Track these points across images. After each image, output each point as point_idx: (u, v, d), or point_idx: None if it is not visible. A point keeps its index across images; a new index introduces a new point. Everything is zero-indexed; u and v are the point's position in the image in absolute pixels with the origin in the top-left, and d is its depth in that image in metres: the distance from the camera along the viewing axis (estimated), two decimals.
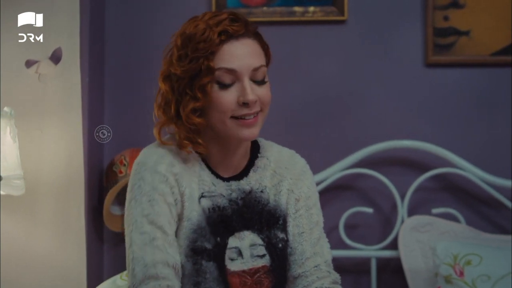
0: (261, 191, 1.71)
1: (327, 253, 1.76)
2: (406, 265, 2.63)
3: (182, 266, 1.61)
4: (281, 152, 1.80)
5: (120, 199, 2.75)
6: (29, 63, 2.54)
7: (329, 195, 2.79)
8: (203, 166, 1.68)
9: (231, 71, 1.59)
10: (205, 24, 1.60)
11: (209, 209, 1.65)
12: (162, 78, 1.65)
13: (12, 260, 2.50)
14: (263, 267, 1.68)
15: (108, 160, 2.80)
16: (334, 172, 2.75)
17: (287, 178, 1.75)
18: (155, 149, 1.67)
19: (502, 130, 2.78)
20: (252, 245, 1.67)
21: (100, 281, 2.72)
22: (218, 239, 1.63)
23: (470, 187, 2.76)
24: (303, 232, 1.74)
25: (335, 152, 2.79)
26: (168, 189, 1.62)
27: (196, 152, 1.68)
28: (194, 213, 1.63)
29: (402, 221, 2.72)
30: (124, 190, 2.68)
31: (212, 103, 1.60)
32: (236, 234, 1.66)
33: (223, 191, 1.67)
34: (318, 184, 2.74)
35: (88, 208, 2.61)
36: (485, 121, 2.80)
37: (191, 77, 1.59)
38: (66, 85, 2.55)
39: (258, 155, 1.76)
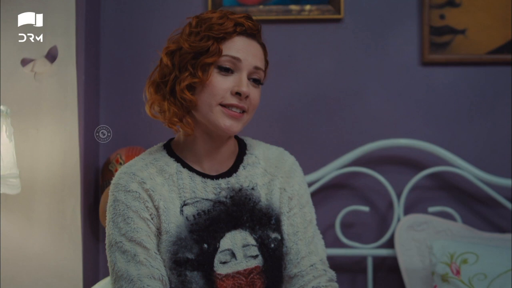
0: (252, 188, 1.72)
1: (322, 251, 1.77)
2: (402, 264, 2.63)
3: (168, 279, 1.62)
4: (269, 150, 1.81)
5: None
6: (24, 62, 2.53)
7: (325, 193, 2.79)
8: (183, 173, 1.68)
9: (235, 59, 1.63)
10: (222, 13, 1.65)
11: (194, 215, 1.65)
12: (165, 52, 1.68)
13: (8, 259, 2.50)
14: (256, 267, 1.67)
15: (104, 158, 2.80)
16: (330, 171, 2.75)
17: (278, 176, 1.76)
18: (127, 169, 1.69)
19: (499, 129, 2.78)
20: (245, 245, 1.67)
21: (96, 280, 2.72)
22: (205, 245, 1.63)
23: (466, 185, 2.77)
24: (297, 232, 1.74)
25: (331, 151, 2.80)
26: (142, 205, 1.63)
27: (176, 158, 1.70)
28: (172, 225, 1.64)
29: (398, 220, 2.72)
30: None
31: (207, 85, 1.63)
32: (227, 235, 1.66)
33: (211, 191, 1.67)
34: (314, 182, 2.74)
35: (84, 207, 2.61)
36: (482, 119, 2.80)
37: (196, 54, 1.63)
38: (62, 84, 2.55)
39: (246, 151, 1.77)
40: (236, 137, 1.80)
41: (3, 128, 2.34)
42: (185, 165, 1.70)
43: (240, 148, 1.78)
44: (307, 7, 2.82)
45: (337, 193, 2.81)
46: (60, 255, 2.54)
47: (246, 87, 1.62)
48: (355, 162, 2.77)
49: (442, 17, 2.79)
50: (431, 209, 2.70)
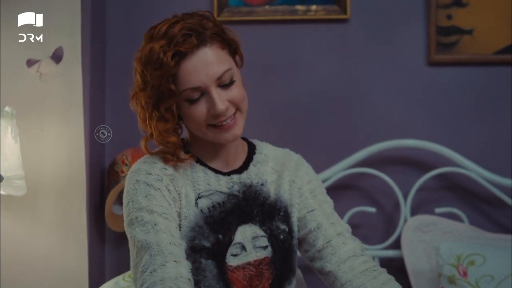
0: (262, 184, 1.73)
1: (345, 224, 1.78)
2: (409, 265, 2.62)
3: None
4: (276, 151, 1.82)
5: (122, 199, 2.73)
6: (30, 63, 2.52)
7: (332, 194, 2.70)
8: (197, 167, 1.69)
9: (196, 89, 1.59)
10: (158, 46, 1.58)
11: (209, 208, 1.65)
12: (131, 99, 1.67)
13: (13, 261, 2.49)
14: (265, 258, 1.69)
15: (109, 159, 2.79)
16: (336, 172, 2.75)
17: (285, 171, 1.77)
18: (146, 158, 1.70)
19: (506, 129, 2.77)
20: (255, 237, 1.68)
21: (102, 281, 2.71)
22: (220, 236, 1.64)
23: (473, 186, 2.75)
24: (313, 210, 1.75)
25: (338, 152, 2.79)
26: (164, 187, 1.63)
27: (189, 154, 1.70)
28: (191, 212, 1.64)
29: (405, 221, 2.71)
30: None
31: (186, 118, 1.63)
32: (239, 229, 1.67)
33: (224, 185, 1.69)
34: None
35: (89, 208, 2.60)
36: (489, 120, 2.78)
37: (157, 101, 1.61)
38: (67, 84, 2.54)
39: (256, 151, 1.78)
40: (244, 139, 1.81)
41: (8, 129, 2.33)
42: (197, 160, 1.71)
43: (250, 148, 1.79)
44: (313, 7, 2.81)
45: (343, 194, 2.79)
46: (65, 256, 2.54)
47: (220, 105, 1.58)
48: (361, 163, 2.75)
49: (449, 17, 2.78)
50: (438, 210, 2.69)
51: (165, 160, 1.67)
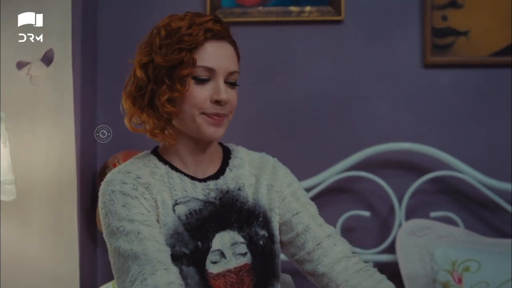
0: (239, 189, 1.72)
1: (331, 226, 1.78)
2: (403, 270, 2.60)
3: None
4: (251, 154, 1.82)
5: None
6: (20, 65, 2.50)
7: (326, 198, 2.76)
8: (173, 174, 1.68)
9: (209, 69, 1.62)
10: (190, 21, 1.64)
11: (186, 215, 1.64)
12: (139, 66, 1.67)
13: (4, 265, 2.47)
14: (245, 265, 1.67)
15: (101, 163, 2.77)
16: (331, 175, 2.72)
17: (263, 175, 1.76)
18: (119, 169, 1.68)
19: (502, 132, 2.74)
20: (233, 243, 1.66)
21: (94, 285, 2.70)
22: (199, 243, 1.62)
23: (469, 190, 2.73)
24: (298, 213, 1.74)
25: (332, 155, 2.76)
26: (140, 195, 1.61)
27: (164, 162, 1.70)
28: (170, 218, 1.62)
29: (400, 225, 2.68)
30: None
31: (187, 96, 1.63)
32: (217, 236, 1.65)
33: (200, 192, 1.67)
34: (314, 187, 2.71)
35: (81, 212, 2.58)
36: (484, 123, 2.76)
37: (171, 67, 1.62)
38: (58, 87, 2.52)
39: (231, 155, 1.78)
40: (219, 143, 1.80)
41: None
42: (173, 167, 1.70)
43: (225, 153, 1.79)
44: (307, 8, 2.78)
45: (337, 197, 2.77)
46: (56, 260, 2.52)
47: (224, 94, 1.62)
48: (355, 166, 2.73)
49: (444, 18, 2.75)
50: (433, 214, 2.67)
51: (151, 135, 1.67)
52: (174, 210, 1.63)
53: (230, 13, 2.79)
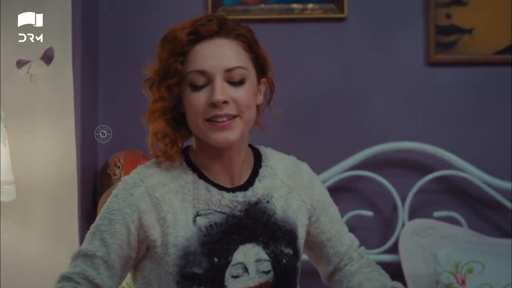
0: (267, 202, 1.64)
1: (354, 240, 1.82)
2: (406, 271, 2.58)
3: None
4: (283, 161, 1.73)
5: None
6: (20, 63, 2.48)
7: None
8: (200, 184, 1.60)
9: (202, 73, 1.54)
10: (180, 26, 1.57)
11: (206, 227, 1.57)
12: (147, 86, 1.62)
13: (4, 265, 2.46)
14: (266, 282, 1.61)
15: (102, 162, 2.75)
16: (333, 174, 2.70)
17: (296, 189, 1.69)
18: (141, 170, 1.62)
19: (506, 131, 2.72)
20: (258, 260, 1.60)
21: None
22: (215, 259, 1.56)
23: (473, 189, 2.71)
24: (330, 238, 1.74)
25: (335, 154, 2.74)
26: (136, 216, 1.56)
27: (193, 169, 1.62)
28: (180, 239, 1.55)
29: (403, 225, 2.67)
30: None
31: (186, 106, 1.57)
32: (240, 248, 1.59)
33: (227, 204, 1.59)
34: None
35: (81, 212, 2.56)
36: (489, 121, 2.74)
37: (162, 78, 1.56)
38: (58, 86, 2.50)
39: (262, 164, 1.69)
40: (250, 146, 1.72)
41: None
42: (201, 175, 1.61)
43: (256, 159, 1.70)
44: (310, 5, 2.76)
45: (340, 197, 2.73)
46: (57, 261, 2.49)
47: (220, 94, 1.51)
48: (358, 166, 2.70)
49: (448, 16, 2.72)
50: (437, 214, 2.65)
51: (156, 157, 1.61)
52: (195, 221, 1.57)
53: (232, 10, 2.76)
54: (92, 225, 1.60)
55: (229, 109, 1.54)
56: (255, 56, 1.61)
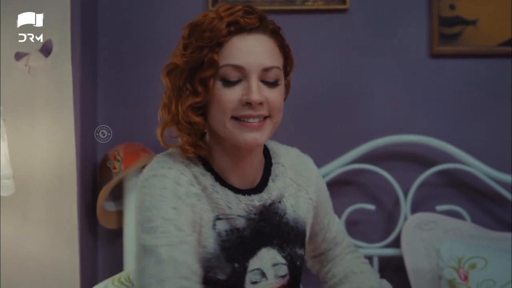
0: (279, 202, 1.59)
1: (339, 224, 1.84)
2: (409, 265, 2.56)
3: None
4: (289, 155, 1.68)
5: (115, 195, 2.69)
6: (18, 56, 2.46)
7: (330, 190, 2.62)
8: (218, 187, 1.52)
9: (237, 68, 1.44)
10: (215, 14, 1.46)
11: (226, 231, 1.51)
12: (165, 72, 1.51)
13: (3, 261, 2.45)
14: (282, 286, 1.59)
15: (101, 155, 2.73)
16: (335, 167, 2.68)
17: (305, 187, 1.66)
18: (170, 164, 1.51)
19: (511, 124, 2.68)
20: (275, 264, 1.56)
21: (94, 279, 2.67)
22: (236, 265, 1.50)
23: (476, 183, 2.68)
24: (322, 228, 1.76)
25: (336, 147, 2.71)
26: (190, 208, 1.46)
27: (211, 170, 1.54)
28: (210, 240, 1.48)
29: (405, 219, 2.64)
30: (118, 186, 2.64)
31: (214, 101, 1.46)
32: (258, 253, 1.54)
33: (243, 208, 1.53)
34: None
35: (81, 205, 2.55)
36: (493, 114, 2.70)
37: (193, 69, 1.46)
38: (57, 80, 2.48)
39: (273, 161, 1.63)
40: None
41: None
42: (217, 178, 1.54)
43: (266, 157, 1.63)
44: None
45: (342, 190, 2.72)
46: (56, 255, 2.50)
47: (257, 94, 1.43)
48: (361, 159, 2.68)
49: (452, 7, 2.69)
50: (439, 207, 2.62)
51: (182, 150, 1.51)
52: (214, 225, 1.50)
53: (233, 2, 2.73)
54: (149, 226, 1.42)
55: (262, 110, 1.47)
56: (285, 56, 1.56)
